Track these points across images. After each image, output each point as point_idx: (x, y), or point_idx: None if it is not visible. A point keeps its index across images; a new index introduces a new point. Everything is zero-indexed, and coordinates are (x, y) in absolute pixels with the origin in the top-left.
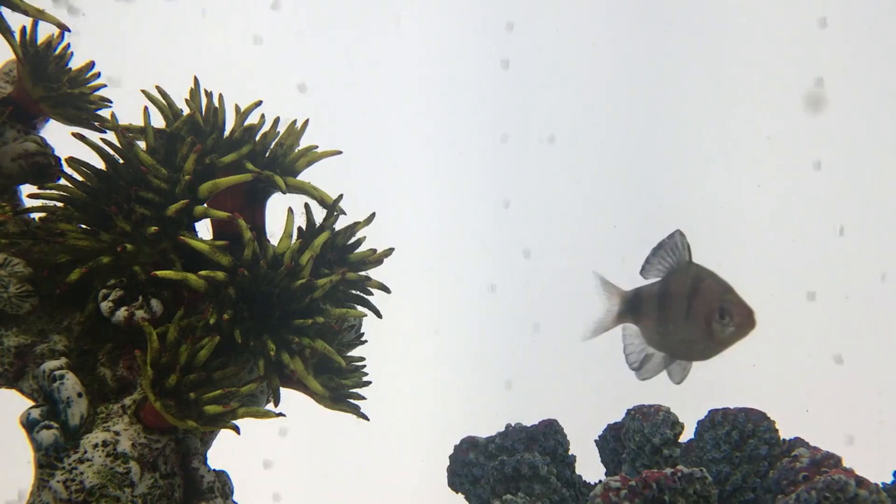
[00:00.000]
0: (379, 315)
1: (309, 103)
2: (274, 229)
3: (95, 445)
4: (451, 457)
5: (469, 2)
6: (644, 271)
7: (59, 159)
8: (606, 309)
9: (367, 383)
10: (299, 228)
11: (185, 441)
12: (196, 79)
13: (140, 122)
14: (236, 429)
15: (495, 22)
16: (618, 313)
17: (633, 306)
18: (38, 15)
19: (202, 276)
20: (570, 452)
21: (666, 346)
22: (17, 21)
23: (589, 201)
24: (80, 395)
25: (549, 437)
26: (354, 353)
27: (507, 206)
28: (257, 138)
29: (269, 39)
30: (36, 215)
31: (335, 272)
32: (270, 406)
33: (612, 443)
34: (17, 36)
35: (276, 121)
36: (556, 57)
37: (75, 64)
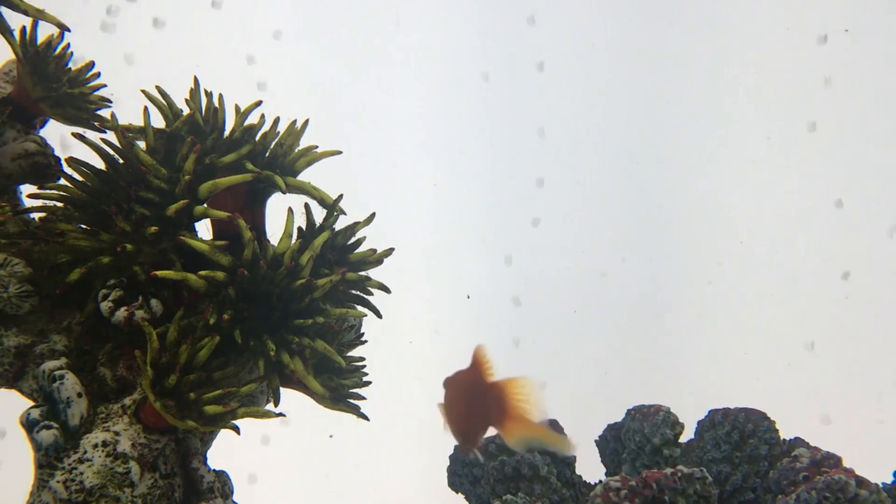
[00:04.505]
0: (379, 315)
1: (309, 103)
2: (274, 229)
3: (95, 445)
4: (451, 457)
5: (469, 2)
6: None
7: (59, 159)
8: None
9: (367, 383)
10: (299, 228)
11: (185, 441)
12: (196, 79)
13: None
14: (236, 429)
15: (496, 21)
16: None
17: None
18: (38, 15)
19: (202, 276)
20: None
21: None
22: (17, 21)
23: (589, 201)
24: (79, 395)
25: None
26: (354, 353)
27: (507, 206)
28: (257, 138)
29: (268, 39)
30: (36, 215)
31: (335, 272)
32: (270, 406)
33: (612, 443)
34: (17, 36)
35: (276, 121)
36: (556, 56)
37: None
